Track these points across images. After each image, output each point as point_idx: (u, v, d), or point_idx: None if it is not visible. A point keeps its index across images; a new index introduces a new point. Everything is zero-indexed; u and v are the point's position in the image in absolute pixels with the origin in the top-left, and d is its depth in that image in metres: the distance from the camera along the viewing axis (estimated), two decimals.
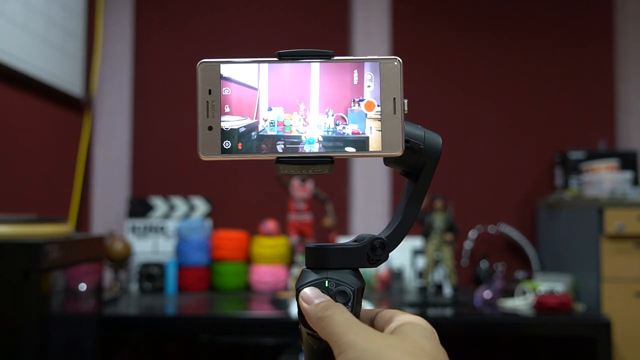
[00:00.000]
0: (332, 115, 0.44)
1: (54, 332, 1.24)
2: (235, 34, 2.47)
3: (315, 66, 0.45)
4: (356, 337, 0.38)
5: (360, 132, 0.44)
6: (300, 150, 0.44)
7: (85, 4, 2.23)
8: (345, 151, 0.44)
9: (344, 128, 0.44)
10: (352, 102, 0.44)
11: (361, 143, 0.44)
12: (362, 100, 0.44)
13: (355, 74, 0.44)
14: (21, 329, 1.11)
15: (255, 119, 0.45)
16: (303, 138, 0.44)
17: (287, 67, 0.45)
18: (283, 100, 0.45)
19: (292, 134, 0.44)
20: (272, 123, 0.44)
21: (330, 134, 0.44)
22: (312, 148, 0.44)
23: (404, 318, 0.42)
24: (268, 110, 0.45)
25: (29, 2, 1.82)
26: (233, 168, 2.39)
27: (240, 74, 0.45)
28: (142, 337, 2.18)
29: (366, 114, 0.44)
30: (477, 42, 2.49)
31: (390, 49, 2.45)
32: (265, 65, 0.45)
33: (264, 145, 0.44)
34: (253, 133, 0.45)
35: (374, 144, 0.44)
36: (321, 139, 0.44)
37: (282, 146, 0.44)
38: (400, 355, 0.37)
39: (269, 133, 0.44)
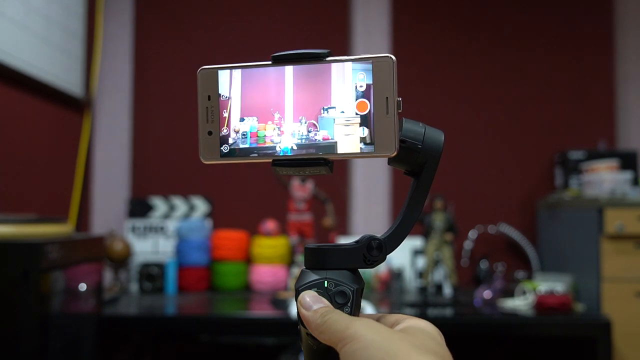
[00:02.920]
0: (305, 123, 0.44)
1: (54, 332, 1.24)
2: (234, 34, 2.47)
3: (289, 73, 0.45)
4: (362, 328, 0.38)
5: (330, 138, 0.44)
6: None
7: (85, 4, 2.23)
8: (338, 153, 0.44)
9: (315, 134, 0.44)
10: (322, 110, 0.44)
11: (330, 148, 0.44)
12: (332, 107, 0.44)
13: (334, 76, 0.44)
14: (21, 329, 1.11)
15: (226, 130, 0.45)
16: (277, 148, 0.44)
17: (261, 74, 0.45)
18: (257, 109, 0.45)
19: (266, 144, 0.44)
20: (244, 134, 0.45)
21: (303, 141, 0.44)
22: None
23: (411, 321, 0.42)
24: (240, 120, 0.45)
25: (29, 2, 1.82)
26: (233, 168, 2.39)
27: (220, 83, 0.45)
28: (142, 337, 2.18)
29: (334, 120, 0.44)
30: (477, 42, 2.49)
31: (390, 48, 2.45)
32: (238, 72, 0.45)
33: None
34: (225, 146, 0.45)
35: (351, 146, 0.44)
36: (295, 148, 0.44)
37: (256, 157, 0.45)
38: (408, 349, 0.36)
39: (241, 146, 0.45)
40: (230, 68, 0.45)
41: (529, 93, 2.47)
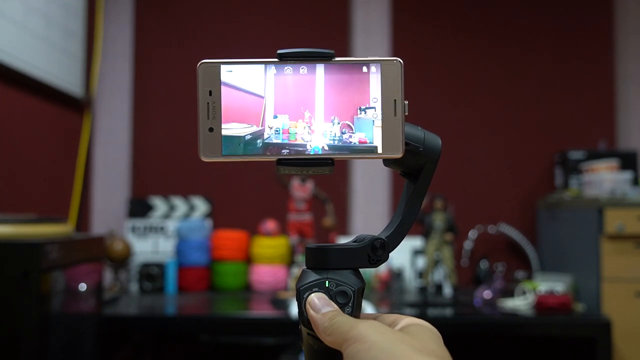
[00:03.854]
0: (338, 124, 0.44)
1: (54, 332, 1.23)
2: (235, 34, 2.47)
3: (320, 72, 0.44)
4: (366, 330, 0.38)
5: (368, 141, 0.44)
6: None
7: (85, 4, 2.23)
8: (379, 153, 0.44)
9: (350, 137, 0.44)
10: (359, 110, 0.44)
11: (369, 151, 0.44)
12: (371, 108, 0.44)
13: (361, 77, 0.44)
14: (21, 329, 1.11)
15: (261, 126, 0.44)
16: (308, 146, 0.44)
17: (292, 74, 0.44)
18: (288, 107, 0.44)
19: (297, 142, 0.44)
20: (277, 131, 0.44)
21: (336, 142, 0.44)
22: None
23: (410, 320, 0.42)
24: (273, 117, 0.44)
25: (29, 2, 1.82)
26: (233, 168, 2.39)
27: (244, 80, 0.44)
28: (142, 337, 2.18)
29: (373, 121, 0.43)
30: (477, 42, 2.49)
31: (390, 48, 2.45)
32: (272, 72, 0.44)
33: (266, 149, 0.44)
34: (258, 141, 0.44)
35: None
36: (327, 148, 0.44)
37: (287, 153, 0.44)
38: (411, 351, 0.37)
39: (274, 141, 0.44)
40: (232, 63, 0.44)
41: (529, 93, 2.47)
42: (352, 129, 0.44)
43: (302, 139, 0.44)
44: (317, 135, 0.44)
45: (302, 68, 0.44)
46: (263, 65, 0.44)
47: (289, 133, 0.44)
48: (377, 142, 0.43)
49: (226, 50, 2.44)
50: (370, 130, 0.44)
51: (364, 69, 0.44)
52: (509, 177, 2.45)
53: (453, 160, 2.41)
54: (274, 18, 2.49)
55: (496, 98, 2.47)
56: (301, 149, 0.44)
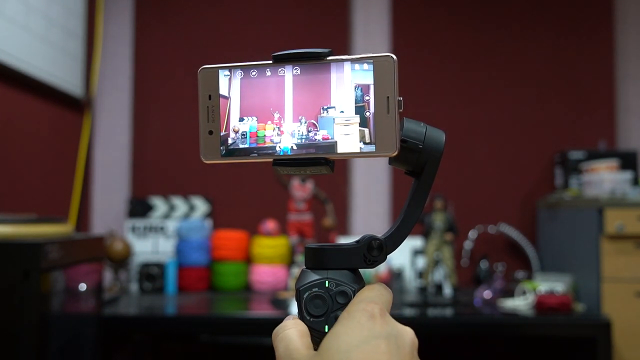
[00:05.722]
0: (305, 123, 0.44)
1: (54, 332, 1.23)
2: (234, 34, 2.47)
3: (289, 73, 0.44)
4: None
5: (330, 138, 0.44)
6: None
7: (85, 4, 2.23)
8: (338, 152, 0.44)
9: (315, 134, 0.44)
10: (322, 109, 0.44)
11: (330, 148, 0.44)
12: (332, 107, 0.44)
13: (324, 78, 0.44)
14: (21, 329, 1.11)
15: (225, 131, 0.45)
16: (277, 148, 0.44)
17: (261, 74, 0.45)
18: (256, 109, 0.45)
19: (266, 144, 0.44)
20: (244, 134, 0.45)
21: (303, 140, 0.44)
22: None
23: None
24: (239, 121, 0.45)
25: (29, 2, 1.82)
26: (233, 168, 2.39)
27: (221, 82, 0.45)
28: (142, 337, 2.18)
29: (334, 119, 0.44)
30: (477, 42, 2.49)
31: (390, 49, 2.45)
32: (238, 71, 0.45)
33: None
34: (222, 148, 0.45)
35: (351, 146, 0.44)
36: (295, 148, 0.44)
37: (256, 156, 0.45)
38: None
39: (240, 146, 0.45)
40: (231, 67, 0.45)
41: (529, 93, 2.47)
42: (317, 127, 0.44)
43: (271, 140, 0.44)
44: (285, 136, 0.44)
45: (268, 70, 0.45)
46: (228, 70, 0.45)
47: (257, 136, 0.45)
48: (337, 137, 0.44)
49: (226, 50, 2.44)
50: (331, 128, 0.44)
51: (326, 68, 0.44)
52: (509, 177, 2.45)
53: (453, 160, 2.41)
54: (273, 18, 2.49)
55: (496, 98, 2.47)
56: (270, 151, 0.44)
